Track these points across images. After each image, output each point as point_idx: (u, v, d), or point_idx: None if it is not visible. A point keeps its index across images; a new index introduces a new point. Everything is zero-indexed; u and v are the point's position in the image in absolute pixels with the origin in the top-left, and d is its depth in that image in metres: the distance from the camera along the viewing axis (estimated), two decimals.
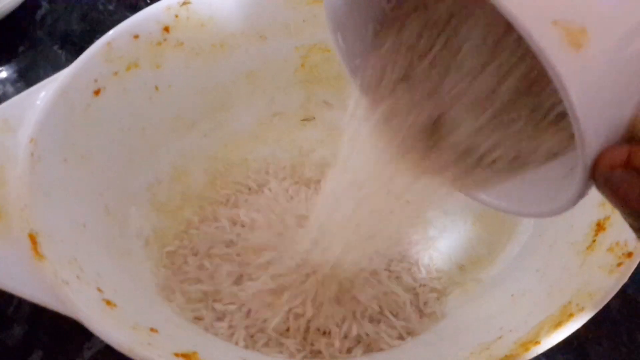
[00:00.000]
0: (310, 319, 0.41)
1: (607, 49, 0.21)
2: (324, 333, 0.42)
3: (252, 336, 0.41)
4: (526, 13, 0.20)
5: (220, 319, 0.42)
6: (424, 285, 0.45)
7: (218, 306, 0.43)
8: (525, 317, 0.37)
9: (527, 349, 0.34)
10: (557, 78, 0.20)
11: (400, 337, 0.42)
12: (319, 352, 0.41)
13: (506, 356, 0.34)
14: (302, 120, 0.54)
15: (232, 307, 0.43)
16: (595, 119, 0.21)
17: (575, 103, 0.20)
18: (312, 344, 0.41)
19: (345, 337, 0.41)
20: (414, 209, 0.33)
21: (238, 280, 0.44)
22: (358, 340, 0.41)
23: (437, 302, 0.44)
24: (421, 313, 0.43)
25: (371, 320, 0.42)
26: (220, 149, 0.53)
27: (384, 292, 0.43)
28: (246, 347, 0.41)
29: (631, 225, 0.22)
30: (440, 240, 0.48)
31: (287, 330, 0.41)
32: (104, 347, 0.45)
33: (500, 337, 0.36)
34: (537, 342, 0.34)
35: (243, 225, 0.46)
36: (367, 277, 0.42)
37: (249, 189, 0.50)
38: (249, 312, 0.42)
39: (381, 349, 0.41)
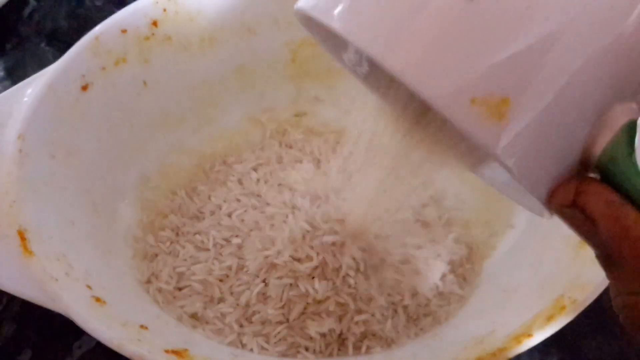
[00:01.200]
0: (299, 315, 0.41)
1: (534, 109, 0.20)
2: (312, 316, 0.41)
3: (242, 325, 0.41)
4: (442, 96, 0.20)
5: (211, 316, 0.42)
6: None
7: (210, 305, 0.43)
8: (518, 311, 0.37)
9: (519, 342, 0.34)
10: (486, 150, 0.20)
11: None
12: (307, 347, 0.41)
13: (499, 349, 0.34)
14: (293, 116, 0.53)
15: (222, 305, 0.42)
16: (537, 172, 0.21)
17: (511, 168, 0.21)
18: (301, 335, 0.41)
19: (341, 332, 0.41)
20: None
21: (230, 274, 0.43)
22: (352, 335, 0.41)
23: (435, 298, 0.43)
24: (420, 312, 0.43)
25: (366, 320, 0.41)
26: (210, 145, 0.52)
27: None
28: (242, 344, 0.41)
29: (595, 255, 0.23)
30: (434, 238, 0.48)
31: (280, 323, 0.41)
32: (93, 346, 0.44)
33: (493, 331, 0.36)
34: (530, 335, 0.34)
35: (242, 220, 0.46)
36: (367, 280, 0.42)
37: (240, 183, 0.49)
38: (243, 307, 0.42)
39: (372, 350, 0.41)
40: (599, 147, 0.21)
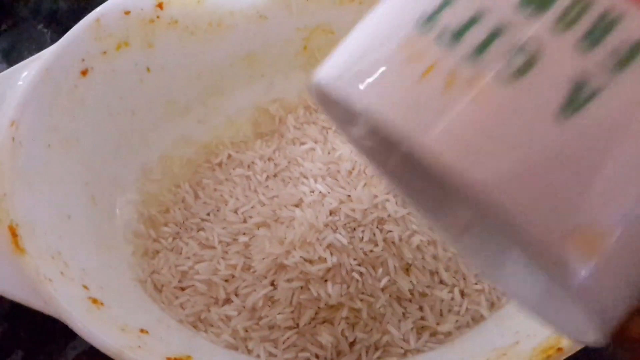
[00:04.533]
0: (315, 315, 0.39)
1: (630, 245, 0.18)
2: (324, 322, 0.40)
3: (248, 330, 0.40)
4: (534, 229, 0.17)
5: (215, 318, 0.40)
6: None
7: (214, 307, 0.41)
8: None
9: (548, 356, 0.32)
10: (561, 288, 0.18)
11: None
12: (318, 355, 0.39)
13: None
14: (304, 107, 0.51)
15: (227, 307, 0.41)
16: (613, 308, 0.18)
17: (584, 308, 0.18)
18: (312, 342, 0.39)
19: (354, 340, 0.39)
20: None
21: (236, 275, 0.41)
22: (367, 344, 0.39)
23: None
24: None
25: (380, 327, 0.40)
26: (216, 136, 0.51)
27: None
28: (248, 350, 0.39)
29: None
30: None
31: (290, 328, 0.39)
32: (89, 348, 0.42)
33: (517, 342, 0.35)
34: (560, 350, 0.32)
35: (250, 217, 0.44)
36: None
37: (247, 176, 0.47)
38: (249, 310, 0.40)
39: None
40: None
